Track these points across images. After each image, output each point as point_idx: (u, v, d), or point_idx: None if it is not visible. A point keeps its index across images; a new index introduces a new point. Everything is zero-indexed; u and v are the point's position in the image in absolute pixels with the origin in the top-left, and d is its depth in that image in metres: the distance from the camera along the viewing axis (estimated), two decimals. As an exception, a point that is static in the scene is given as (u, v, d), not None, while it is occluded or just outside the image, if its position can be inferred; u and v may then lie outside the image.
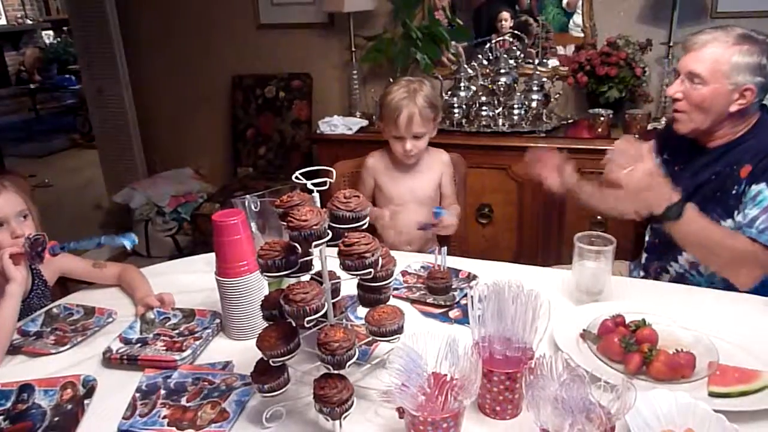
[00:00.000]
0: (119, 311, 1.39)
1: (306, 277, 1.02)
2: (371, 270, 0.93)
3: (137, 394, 1.09)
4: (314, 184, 0.95)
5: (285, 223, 0.90)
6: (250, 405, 1.06)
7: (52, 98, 8.28)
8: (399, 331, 0.98)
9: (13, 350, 1.26)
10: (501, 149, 2.55)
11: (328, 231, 0.92)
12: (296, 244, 0.91)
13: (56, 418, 1.05)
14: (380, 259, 0.97)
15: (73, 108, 7.20)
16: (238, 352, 1.21)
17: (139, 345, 1.25)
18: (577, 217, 2.50)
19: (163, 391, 1.09)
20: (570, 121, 2.67)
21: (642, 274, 1.69)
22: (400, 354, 0.90)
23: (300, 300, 0.89)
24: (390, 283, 1.04)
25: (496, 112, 2.65)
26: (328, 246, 0.96)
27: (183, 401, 1.07)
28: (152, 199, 3.45)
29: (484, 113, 2.67)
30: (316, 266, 0.99)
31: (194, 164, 3.74)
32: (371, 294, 1.06)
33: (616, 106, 2.52)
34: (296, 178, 0.95)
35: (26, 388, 1.12)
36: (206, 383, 1.11)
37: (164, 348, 1.23)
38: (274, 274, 0.94)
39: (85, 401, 1.07)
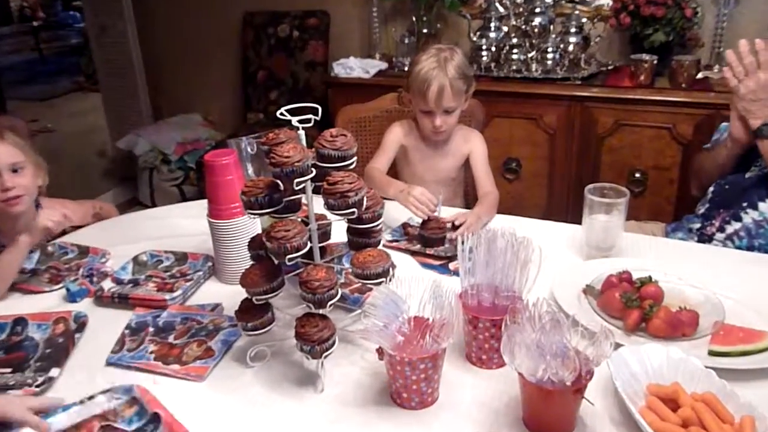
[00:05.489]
0: (113, 251, 1.53)
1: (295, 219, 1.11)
2: (355, 210, 1.02)
3: (126, 331, 1.23)
4: (299, 121, 1.04)
5: (267, 160, 0.99)
6: (236, 345, 1.18)
7: (57, 37, 8.49)
8: (383, 274, 1.07)
9: (9, 286, 1.41)
10: (532, 97, 2.58)
11: (312, 169, 1.01)
12: (278, 182, 1.00)
13: (48, 350, 1.19)
14: (365, 200, 1.05)
15: (79, 48, 7.38)
16: (229, 295, 1.33)
17: (130, 285, 1.38)
18: (613, 173, 2.54)
19: (151, 329, 1.23)
20: (610, 67, 2.67)
21: (697, 225, 1.73)
22: (380, 296, 1.00)
23: (281, 237, 0.99)
24: (378, 226, 1.13)
25: (529, 56, 2.67)
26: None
27: (170, 339, 1.19)
28: (157, 146, 3.59)
29: (514, 57, 2.69)
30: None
31: (203, 110, 3.86)
32: (360, 238, 1.15)
33: (662, 52, 2.51)
34: (281, 114, 1.03)
35: (20, 321, 1.27)
36: (194, 323, 1.23)
37: (155, 289, 1.36)
38: (257, 211, 1.04)
39: (76, 335, 1.21)
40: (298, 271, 1.08)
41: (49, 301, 1.36)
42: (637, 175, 2.52)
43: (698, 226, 1.73)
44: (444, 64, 1.71)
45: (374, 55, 3.11)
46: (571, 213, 2.68)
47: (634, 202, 2.48)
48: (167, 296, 1.30)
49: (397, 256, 1.43)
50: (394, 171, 1.93)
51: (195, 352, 1.15)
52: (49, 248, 1.56)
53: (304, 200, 1.10)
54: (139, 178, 3.74)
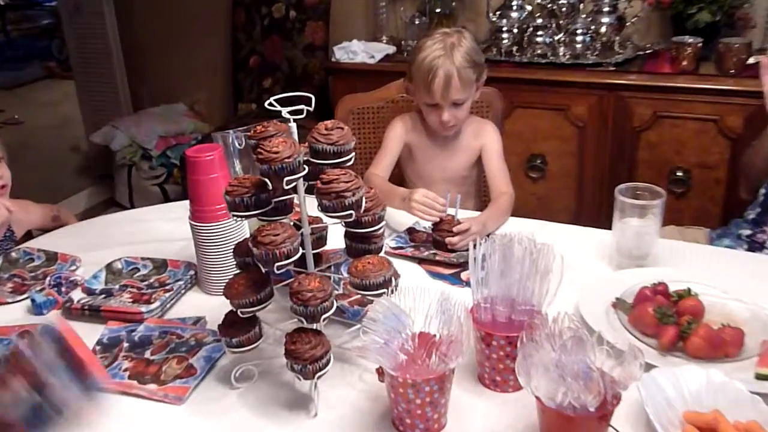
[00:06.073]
0: (84, 258, 1.54)
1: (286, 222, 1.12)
2: (352, 212, 1.02)
3: (98, 347, 1.24)
4: (291, 113, 1.05)
5: (254, 156, 1.00)
6: (220, 364, 1.19)
7: (26, 17, 8.55)
8: (385, 284, 1.07)
9: (-33, 297, 1.43)
10: (559, 85, 2.59)
11: (304, 165, 1.02)
12: (267, 180, 1.01)
13: (9, 368, 1.20)
14: (364, 201, 1.06)
15: (50, 30, 7.45)
16: (213, 308, 1.32)
17: (103, 296, 1.40)
18: (651, 171, 2.53)
19: (126, 344, 1.24)
20: (648, 51, 2.66)
21: (747, 232, 1.73)
22: (381, 309, 1.00)
23: (269, 242, 1.00)
24: (379, 230, 1.14)
25: (555, 38, 2.67)
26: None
27: (147, 354, 1.21)
28: (137, 140, 3.61)
29: (539, 40, 2.70)
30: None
31: (188, 99, 3.89)
32: (359, 243, 1.16)
33: (708, 33, 2.50)
34: (270, 104, 1.04)
35: (-21, 336, 1.28)
36: (174, 337, 1.25)
37: (130, 300, 1.38)
38: (243, 213, 1.05)
39: (41, 352, 1.22)
40: (288, 281, 1.09)
41: (12, 314, 1.37)
42: (679, 173, 2.51)
43: (748, 232, 1.73)
44: (450, 50, 1.70)
45: (380, 38, 3.12)
46: (604, 217, 2.68)
47: (676, 204, 2.48)
48: (144, 308, 1.31)
49: (401, 264, 1.44)
50: (398, 171, 1.94)
51: (174, 370, 1.16)
52: (13, 254, 1.57)
53: (295, 201, 1.11)
54: (116, 176, 3.78)
